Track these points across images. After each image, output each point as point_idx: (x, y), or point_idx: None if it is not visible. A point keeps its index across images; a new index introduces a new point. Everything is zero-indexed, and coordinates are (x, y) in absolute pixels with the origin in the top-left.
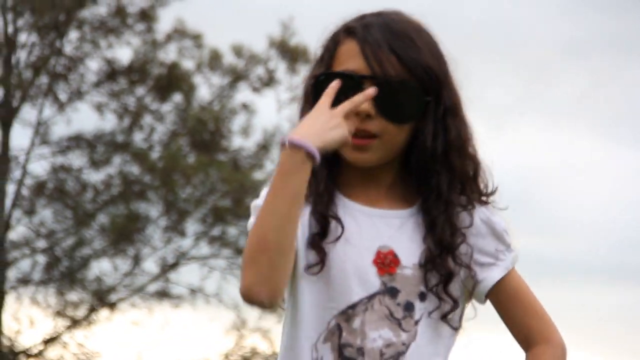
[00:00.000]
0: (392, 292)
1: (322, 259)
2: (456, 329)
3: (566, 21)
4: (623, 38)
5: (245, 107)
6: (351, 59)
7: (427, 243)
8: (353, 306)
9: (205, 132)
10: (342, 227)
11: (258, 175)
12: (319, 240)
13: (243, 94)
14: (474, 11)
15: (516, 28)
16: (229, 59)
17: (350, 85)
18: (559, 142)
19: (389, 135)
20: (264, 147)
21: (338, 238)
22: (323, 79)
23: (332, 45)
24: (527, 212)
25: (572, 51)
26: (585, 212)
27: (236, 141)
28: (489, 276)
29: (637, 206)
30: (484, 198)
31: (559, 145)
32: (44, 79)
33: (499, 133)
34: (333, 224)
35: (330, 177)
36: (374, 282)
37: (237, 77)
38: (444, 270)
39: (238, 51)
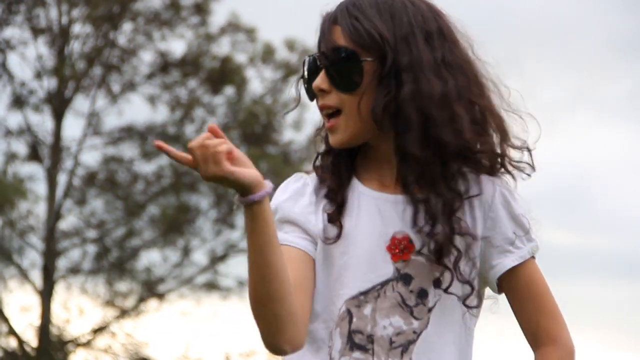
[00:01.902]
0: (406, 279)
1: (339, 231)
2: (473, 315)
3: (621, 17)
4: None
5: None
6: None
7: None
8: (365, 292)
9: (256, 125)
10: (358, 206)
11: (309, 168)
12: (336, 214)
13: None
14: (529, 7)
15: (571, 24)
16: (281, 53)
17: (311, 68)
18: (613, 139)
19: (349, 107)
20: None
21: (339, 229)
22: (303, 68)
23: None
24: (579, 207)
25: (626, 47)
26: (636, 207)
27: (287, 134)
28: (502, 262)
29: None
30: (450, 152)
31: (612, 142)
32: (97, 70)
33: (553, 129)
34: (349, 204)
35: (351, 165)
36: (388, 268)
37: (289, 71)
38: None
39: (291, 45)
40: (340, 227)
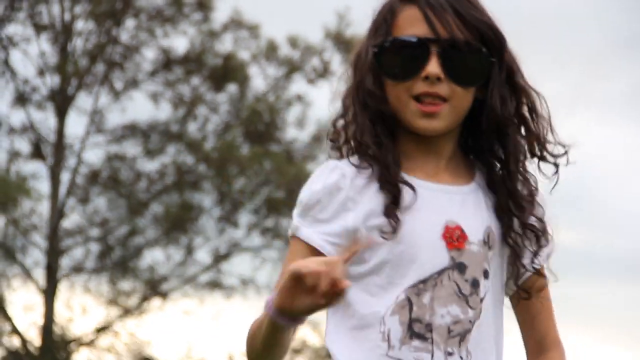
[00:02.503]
0: (461, 267)
1: (395, 226)
2: (504, 306)
3: (621, 14)
4: None
5: (300, 98)
6: (414, 25)
7: (492, 219)
8: (424, 281)
9: (259, 123)
10: (415, 193)
11: (312, 166)
12: (392, 208)
13: (298, 85)
14: (528, 5)
15: (570, 20)
16: (284, 50)
17: (417, 50)
18: (613, 137)
19: (457, 99)
20: (318, 139)
21: (403, 207)
22: (388, 45)
23: (389, 14)
24: (578, 205)
25: (627, 44)
26: (637, 206)
27: (290, 132)
28: (530, 264)
29: None
30: (556, 159)
31: (612, 141)
32: (100, 67)
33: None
34: (403, 193)
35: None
36: (444, 256)
37: (292, 68)
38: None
39: (294, 42)
40: (397, 221)
